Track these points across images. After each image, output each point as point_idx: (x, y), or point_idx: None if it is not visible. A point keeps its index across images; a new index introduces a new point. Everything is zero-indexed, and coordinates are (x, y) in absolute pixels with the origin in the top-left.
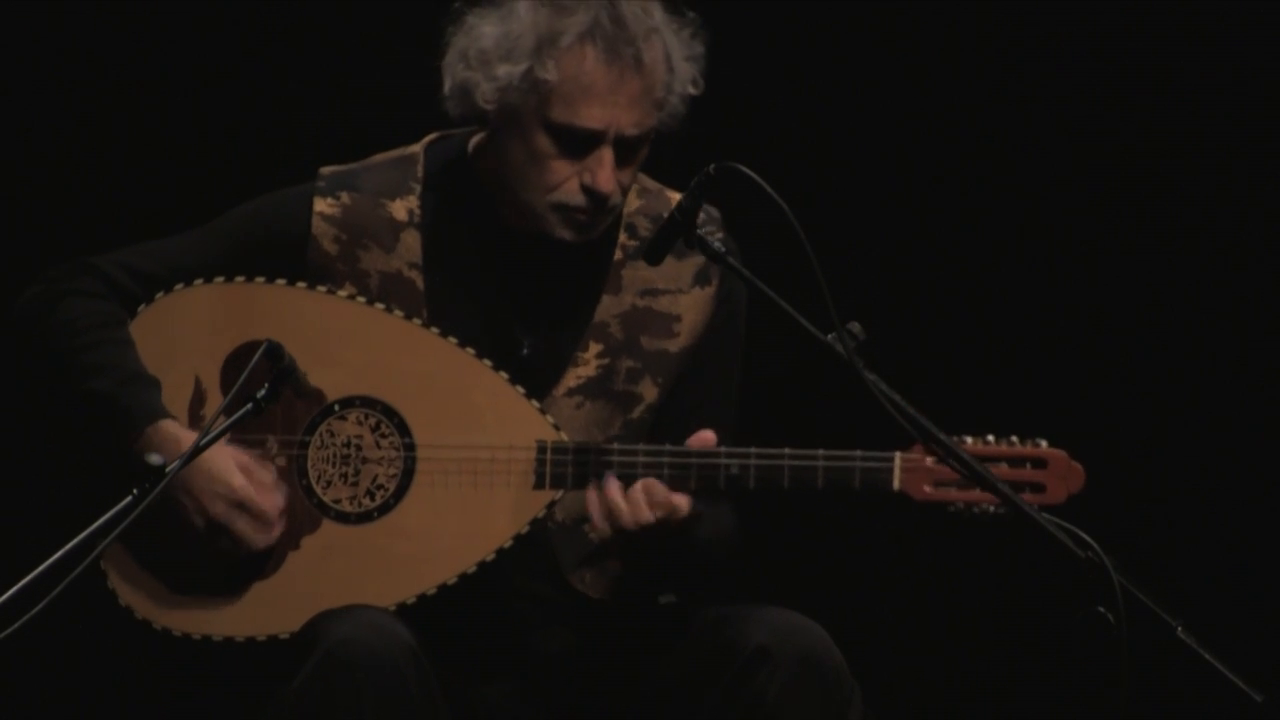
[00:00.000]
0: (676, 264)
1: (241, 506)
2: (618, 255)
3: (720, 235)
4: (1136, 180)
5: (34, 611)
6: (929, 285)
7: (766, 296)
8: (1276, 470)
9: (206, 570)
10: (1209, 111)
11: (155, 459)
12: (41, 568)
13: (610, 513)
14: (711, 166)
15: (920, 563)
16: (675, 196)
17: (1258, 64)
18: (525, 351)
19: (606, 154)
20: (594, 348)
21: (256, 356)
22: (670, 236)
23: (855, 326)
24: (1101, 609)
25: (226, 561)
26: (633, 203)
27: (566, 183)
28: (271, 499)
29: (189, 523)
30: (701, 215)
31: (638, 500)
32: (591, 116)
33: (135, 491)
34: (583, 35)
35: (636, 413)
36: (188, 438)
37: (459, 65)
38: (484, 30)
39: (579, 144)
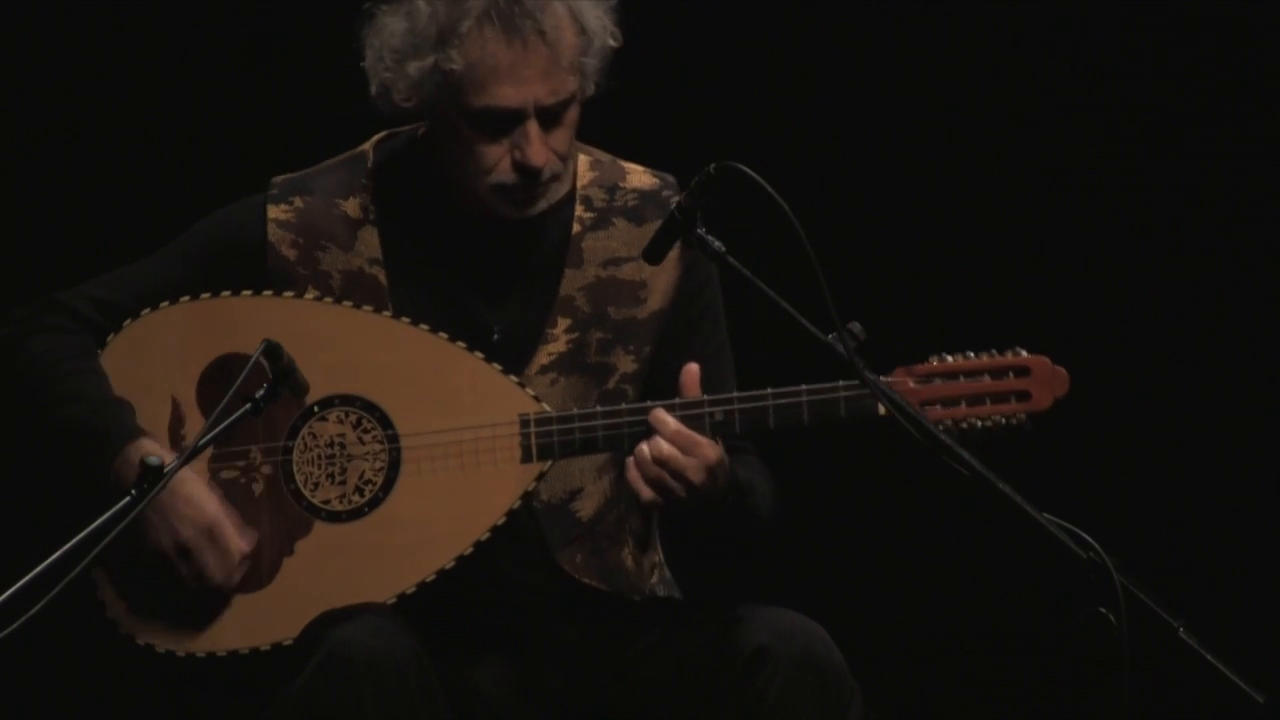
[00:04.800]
0: (635, 230)
1: (211, 536)
2: (576, 229)
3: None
4: (1137, 164)
5: (30, 614)
6: (925, 267)
7: (766, 296)
8: (1277, 470)
9: (198, 590)
10: (1168, 63)
11: (154, 460)
12: (36, 571)
13: (649, 463)
14: (711, 166)
15: (920, 562)
16: (629, 166)
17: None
18: (496, 338)
19: (531, 128)
20: (562, 323)
21: (255, 356)
22: (670, 236)
23: (855, 326)
24: (1103, 609)
25: (193, 588)
26: (586, 175)
27: (499, 164)
28: (239, 537)
29: (153, 542)
30: (658, 181)
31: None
32: (505, 95)
33: (133, 492)
34: (480, 18)
35: (611, 383)
36: (166, 455)
37: (378, 66)
38: (393, 28)
39: (501, 125)
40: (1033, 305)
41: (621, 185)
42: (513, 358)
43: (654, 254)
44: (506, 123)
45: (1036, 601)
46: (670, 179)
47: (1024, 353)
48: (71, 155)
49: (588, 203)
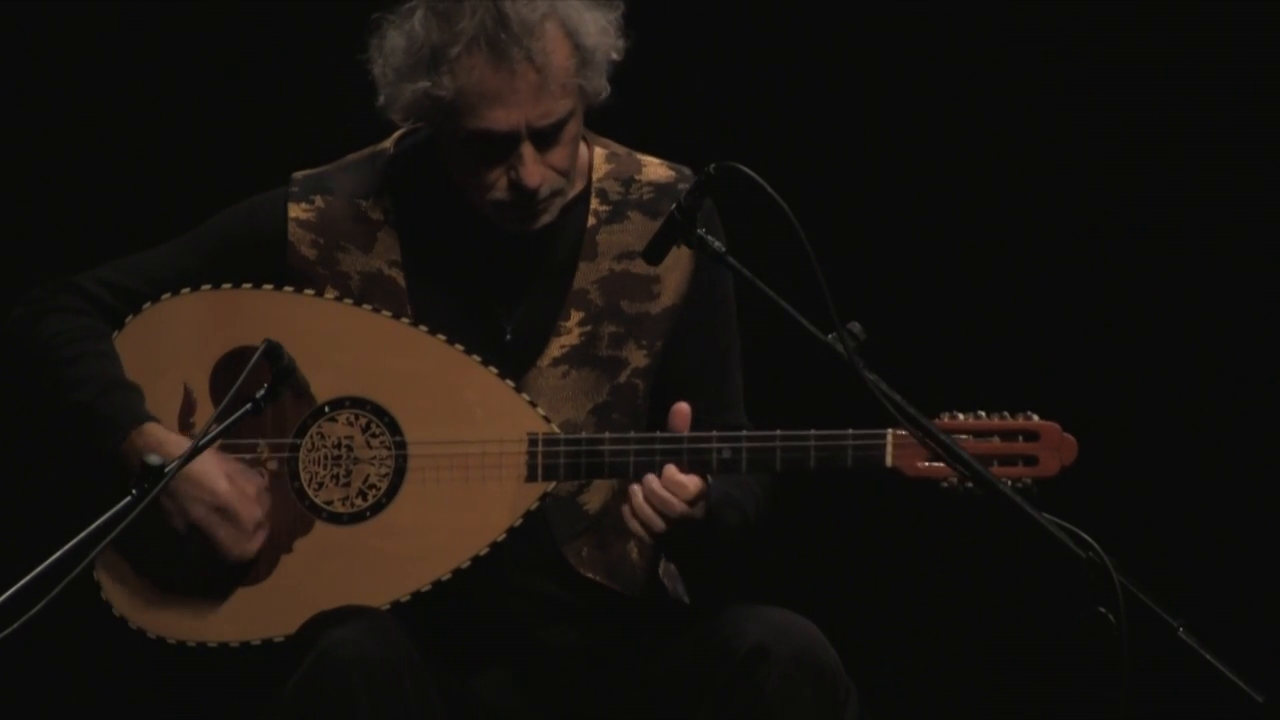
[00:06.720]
0: (650, 223)
1: (223, 513)
2: (591, 222)
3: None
4: (1133, 165)
5: (31, 613)
6: (926, 275)
7: (767, 296)
8: (1276, 470)
9: (198, 577)
10: (1189, 87)
11: (154, 459)
12: (39, 569)
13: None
14: (711, 166)
15: (918, 562)
16: (645, 159)
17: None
18: (509, 337)
19: (525, 150)
20: (575, 316)
21: (256, 356)
22: (669, 237)
23: (855, 326)
24: (1102, 609)
25: (209, 567)
26: (601, 168)
27: (497, 183)
28: (253, 509)
29: (168, 525)
30: (674, 174)
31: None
32: (495, 120)
33: (134, 492)
34: (469, 44)
35: (623, 377)
36: (173, 439)
37: (382, 80)
38: (394, 44)
39: (494, 147)
40: (1023, 297)
41: (637, 178)
42: (526, 352)
43: (653, 254)
44: (500, 145)
45: (1036, 601)
46: (688, 171)
47: (1035, 417)
48: (94, 145)
49: (603, 196)
